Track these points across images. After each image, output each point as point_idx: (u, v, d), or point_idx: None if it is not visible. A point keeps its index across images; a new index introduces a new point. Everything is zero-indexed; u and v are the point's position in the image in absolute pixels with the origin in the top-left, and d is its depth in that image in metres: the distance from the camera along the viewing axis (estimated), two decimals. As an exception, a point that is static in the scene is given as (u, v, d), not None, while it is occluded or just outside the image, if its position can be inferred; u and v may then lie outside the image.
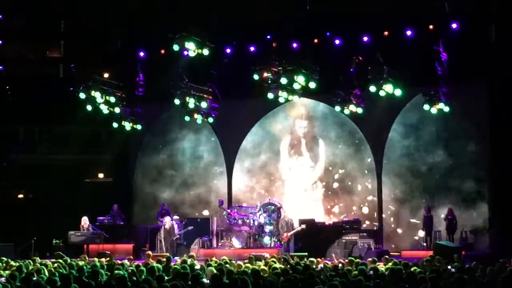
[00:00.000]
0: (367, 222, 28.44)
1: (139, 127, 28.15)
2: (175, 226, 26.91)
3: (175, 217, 27.61)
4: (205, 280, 13.39)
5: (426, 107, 24.93)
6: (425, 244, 26.90)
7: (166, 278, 13.53)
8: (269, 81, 24.97)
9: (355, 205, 29.19)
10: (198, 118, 27.14)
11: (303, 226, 26.06)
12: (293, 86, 24.85)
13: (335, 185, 29.59)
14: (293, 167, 30.20)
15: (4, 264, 17.90)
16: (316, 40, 26.06)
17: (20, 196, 32.22)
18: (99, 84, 26.17)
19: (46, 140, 31.14)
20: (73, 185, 30.58)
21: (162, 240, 26.59)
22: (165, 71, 26.67)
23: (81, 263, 18.21)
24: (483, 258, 20.61)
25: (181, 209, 30.13)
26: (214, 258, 18.92)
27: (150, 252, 22.54)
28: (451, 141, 27.92)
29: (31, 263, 17.88)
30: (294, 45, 25.72)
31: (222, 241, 28.03)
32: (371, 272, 14.78)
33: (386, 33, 25.02)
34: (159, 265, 16.76)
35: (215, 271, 14.52)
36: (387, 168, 28.78)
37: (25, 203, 31.61)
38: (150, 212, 30.17)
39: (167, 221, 26.78)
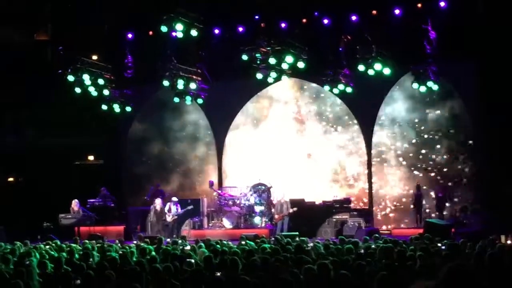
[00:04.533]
0: (357, 201, 28.54)
1: (128, 109, 28.15)
2: (174, 208, 26.88)
3: (174, 198, 27.56)
4: (192, 260, 13.44)
5: (415, 85, 25.03)
6: (415, 222, 26.97)
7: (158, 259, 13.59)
8: (258, 62, 25.01)
9: (345, 184, 29.25)
10: (187, 99, 27.15)
11: (295, 209, 26.16)
12: (282, 66, 24.91)
13: (325, 164, 29.61)
14: (283, 147, 30.17)
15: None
16: (304, 20, 26.00)
17: (10, 179, 32.17)
18: (88, 67, 26.15)
19: (35, 123, 31.02)
20: (63, 168, 30.54)
21: (154, 222, 26.63)
22: (154, 53, 26.62)
23: (73, 245, 18.28)
24: (473, 235, 20.74)
25: (172, 190, 30.12)
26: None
27: (141, 234, 22.64)
28: (441, 119, 27.97)
29: (22, 246, 17.93)
30: (283, 25, 25.65)
31: (212, 221, 28.10)
32: (362, 250, 14.88)
33: (374, 12, 24.99)
34: (151, 247, 16.84)
35: (206, 253, 14.61)
36: (377, 146, 28.86)
37: (16, 186, 31.56)
38: (141, 194, 30.15)
39: (158, 203, 26.78)
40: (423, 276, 10.30)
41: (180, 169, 30.93)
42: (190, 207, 27.12)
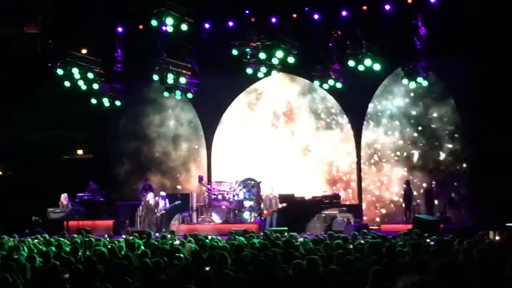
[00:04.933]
0: (346, 196, 28.58)
1: (118, 103, 28.12)
2: (162, 202, 26.84)
3: (162, 193, 27.52)
4: (181, 255, 13.43)
5: (405, 81, 25.08)
6: (404, 217, 27.00)
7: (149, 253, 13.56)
8: (248, 56, 24.99)
9: (334, 180, 29.28)
10: (177, 93, 27.11)
11: (285, 204, 26.19)
12: (272, 61, 24.89)
13: (315, 160, 29.64)
14: (273, 142, 30.18)
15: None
16: (295, 15, 26.00)
17: (-1, 173, 32.06)
18: (77, 60, 26.08)
19: (24, 116, 30.86)
20: (52, 161, 30.42)
21: (144, 216, 26.56)
22: (144, 47, 26.56)
23: (61, 239, 18.23)
24: (462, 231, 20.79)
25: (161, 184, 30.07)
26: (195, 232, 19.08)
27: (129, 229, 22.56)
28: (432, 115, 28.03)
29: (10, 240, 17.87)
30: (273, 20, 25.64)
31: (202, 216, 28.05)
32: (351, 246, 14.89)
33: (364, 7, 25.00)
34: (139, 241, 16.80)
35: (193, 247, 14.59)
36: (367, 141, 28.91)
37: (4, 180, 31.42)
38: (130, 188, 30.11)
39: (150, 197, 26.71)
40: (412, 272, 10.31)
41: (168, 164, 30.89)
42: (177, 202, 27.11)
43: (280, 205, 26.19)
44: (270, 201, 26.33)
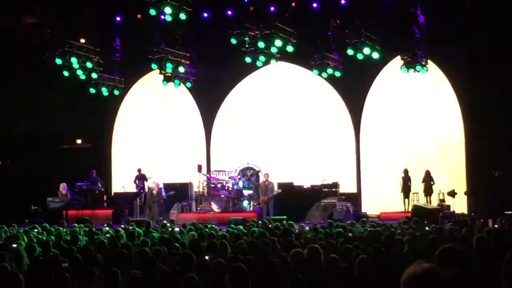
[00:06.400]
0: (346, 185, 28.55)
1: (116, 92, 28.11)
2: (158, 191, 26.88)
3: (157, 182, 27.50)
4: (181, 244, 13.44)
5: (403, 69, 25.07)
6: (403, 206, 27.02)
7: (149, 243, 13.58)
8: (247, 45, 24.96)
9: (333, 168, 29.26)
10: (176, 83, 27.08)
11: (279, 191, 26.21)
12: (271, 50, 24.85)
13: (314, 148, 29.63)
14: (272, 130, 30.17)
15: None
16: (293, 4, 25.93)
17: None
18: (76, 50, 26.04)
19: (23, 106, 30.84)
20: (51, 151, 30.43)
21: (150, 205, 26.53)
22: (142, 36, 26.54)
23: (61, 228, 18.28)
24: (460, 219, 20.82)
25: (160, 174, 30.08)
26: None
27: (130, 218, 22.47)
28: (429, 104, 28.05)
29: (9, 229, 17.88)
30: (272, 8, 25.56)
31: (201, 205, 28.08)
32: (350, 234, 14.91)
33: (363, -5, 25.01)
34: (140, 230, 16.82)
35: (195, 236, 14.62)
36: (365, 129, 28.92)
37: (3, 170, 31.42)
38: (129, 178, 30.11)
39: (154, 186, 26.66)
40: (411, 260, 10.31)
41: (168, 153, 30.89)
42: (171, 192, 27.12)
43: (275, 192, 26.15)
44: (266, 188, 26.32)
